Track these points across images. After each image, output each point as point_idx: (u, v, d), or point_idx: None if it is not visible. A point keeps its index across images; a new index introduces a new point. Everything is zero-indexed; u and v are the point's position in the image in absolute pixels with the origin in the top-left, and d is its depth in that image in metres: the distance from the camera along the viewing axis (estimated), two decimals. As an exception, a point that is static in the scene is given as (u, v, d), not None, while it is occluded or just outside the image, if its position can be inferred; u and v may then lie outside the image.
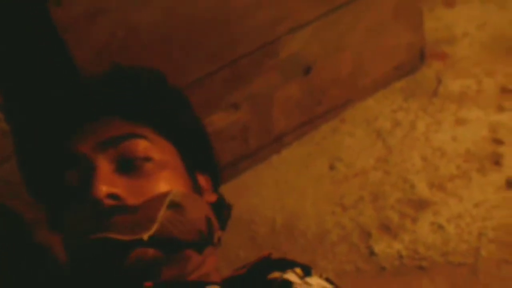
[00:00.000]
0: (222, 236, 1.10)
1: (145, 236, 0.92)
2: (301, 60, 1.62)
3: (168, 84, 1.10)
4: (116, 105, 1.02)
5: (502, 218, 1.44)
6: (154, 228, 0.93)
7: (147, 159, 0.98)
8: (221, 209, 1.14)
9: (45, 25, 1.25)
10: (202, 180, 1.10)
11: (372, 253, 1.45)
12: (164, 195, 0.96)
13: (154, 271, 0.93)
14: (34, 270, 1.16)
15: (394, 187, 1.56)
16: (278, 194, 1.61)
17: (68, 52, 1.27)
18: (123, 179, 0.96)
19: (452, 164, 1.57)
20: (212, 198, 1.11)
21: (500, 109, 1.68)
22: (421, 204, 1.50)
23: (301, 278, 1.03)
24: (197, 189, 1.06)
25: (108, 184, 0.93)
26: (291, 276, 1.02)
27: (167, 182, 0.98)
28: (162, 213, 0.94)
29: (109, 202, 0.92)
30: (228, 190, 1.51)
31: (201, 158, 1.12)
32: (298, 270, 1.05)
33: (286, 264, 1.06)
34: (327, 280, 1.07)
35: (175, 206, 0.96)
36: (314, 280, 1.04)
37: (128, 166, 0.97)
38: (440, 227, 1.45)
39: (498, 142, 1.60)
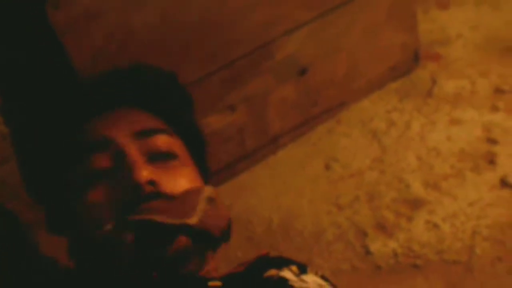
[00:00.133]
0: None
1: (192, 221, 0.93)
2: (297, 61, 1.63)
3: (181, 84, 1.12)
4: (141, 97, 1.04)
5: (496, 217, 1.46)
6: (197, 216, 0.94)
7: (173, 155, 1.00)
8: None
9: (43, 27, 1.26)
10: None
11: (367, 252, 1.47)
12: (201, 189, 0.98)
13: (183, 261, 0.94)
14: (34, 270, 1.16)
15: (390, 186, 1.57)
16: (275, 194, 1.63)
17: (66, 54, 1.28)
18: (155, 170, 0.97)
19: (447, 163, 1.59)
20: None
21: (494, 109, 1.70)
22: (416, 203, 1.52)
23: (297, 275, 1.04)
24: None
25: (148, 170, 0.94)
26: (287, 273, 1.03)
27: (191, 179, 1.00)
28: (202, 206, 0.95)
29: (149, 188, 0.93)
30: (225, 190, 1.54)
31: (200, 158, 1.13)
32: (294, 268, 1.06)
33: (282, 262, 1.07)
34: (323, 277, 1.08)
35: (210, 200, 0.97)
36: (309, 277, 1.05)
37: (157, 159, 0.98)
38: (435, 225, 1.47)
39: (492, 141, 1.62)
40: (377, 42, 1.76)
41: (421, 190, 1.54)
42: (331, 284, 1.08)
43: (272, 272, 1.03)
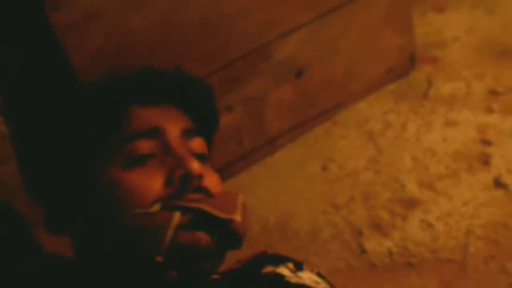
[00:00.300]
0: None
1: (238, 218, 0.95)
2: (294, 63, 1.65)
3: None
4: (183, 98, 1.06)
5: (489, 216, 1.48)
6: (239, 215, 0.96)
7: (206, 157, 1.03)
8: None
9: (43, 29, 1.27)
10: None
11: (363, 250, 1.48)
12: (237, 193, 1.00)
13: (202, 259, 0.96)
14: (34, 271, 1.17)
15: (385, 186, 1.59)
16: (273, 194, 1.65)
17: (65, 55, 1.30)
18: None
19: (442, 164, 1.61)
20: None
21: (489, 110, 1.71)
22: (411, 203, 1.54)
23: (293, 272, 1.06)
24: None
25: (199, 164, 0.96)
26: (283, 270, 1.05)
27: (220, 182, 1.02)
28: (240, 209, 0.97)
29: (198, 180, 0.95)
30: (223, 191, 1.54)
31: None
32: (290, 265, 1.08)
33: (279, 259, 1.08)
34: (318, 274, 1.10)
35: (243, 206, 0.99)
36: (305, 274, 1.07)
37: (195, 159, 1.00)
38: (430, 225, 1.49)
39: (487, 142, 1.63)
40: (374, 44, 1.77)
41: (416, 190, 1.56)
42: (327, 281, 1.09)
43: (269, 268, 1.05)
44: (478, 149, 1.62)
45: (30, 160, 1.09)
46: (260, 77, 1.60)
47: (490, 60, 1.87)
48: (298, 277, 1.05)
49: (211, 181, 0.99)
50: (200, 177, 0.95)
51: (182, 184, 0.94)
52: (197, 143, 1.02)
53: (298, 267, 1.08)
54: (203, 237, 0.93)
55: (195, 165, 0.94)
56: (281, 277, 1.03)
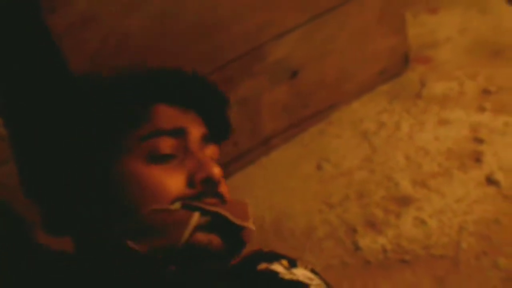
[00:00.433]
0: None
1: (252, 226, 0.97)
2: (289, 64, 1.67)
3: None
4: (206, 104, 1.07)
5: (482, 213, 1.50)
6: (251, 223, 0.98)
7: (220, 165, 1.04)
8: None
9: (41, 31, 1.28)
10: None
11: (357, 248, 1.50)
12: (246, 202, 1.01)
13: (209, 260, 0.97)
14: (34, 271, 1.17)
15: (379, 185, 1.61)
16: (268, 193, 1.67)
17: (62, 57, 1.31)
18: None
19: (435, 162, 1.63)
20: None
21: (481, 109, 1.74)
22: (405, 201, 1.56)
23: (287, 269, 1.07)
24: None
25: (219, 169, 0.98)
26: (277, 267, 1.06)
27: (228, 191, 1.04)
28: (251, 217, 0.99)
29: (217, 185, 0.97)
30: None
31: None
32: (284, 262, 1.09)
33: (274, 257, 1.10)
34: (312, 271, 1.11)
35: (251, 216, 1.02)
36: (299, 271, 1.08)
37: None
38: (423, 222, 1.51)
39: (479, 141, 1.65)
40: (367, 45, 1.79)
41: (410, 188, 1.58)
42: (321, 277, 1.11)
43: (263, 265, 1.06)
44: (470, 147, 1.64)
45: (30, 161, 1.10)
46: (255, 78, 1.62)
47: (482, 60, 1.89)
48: (292, 273, 1.06)
49: (225, 188, 1.00)
50: (219, 182, 0.97)
51: (204, 187, 0.96)
52: (213, 150, 1.03)
53: (292, 264, 1.10)
54: (216, 240, 0.94)
55: (216, 170, 0.96)
56: (275, 273, 1.04)
